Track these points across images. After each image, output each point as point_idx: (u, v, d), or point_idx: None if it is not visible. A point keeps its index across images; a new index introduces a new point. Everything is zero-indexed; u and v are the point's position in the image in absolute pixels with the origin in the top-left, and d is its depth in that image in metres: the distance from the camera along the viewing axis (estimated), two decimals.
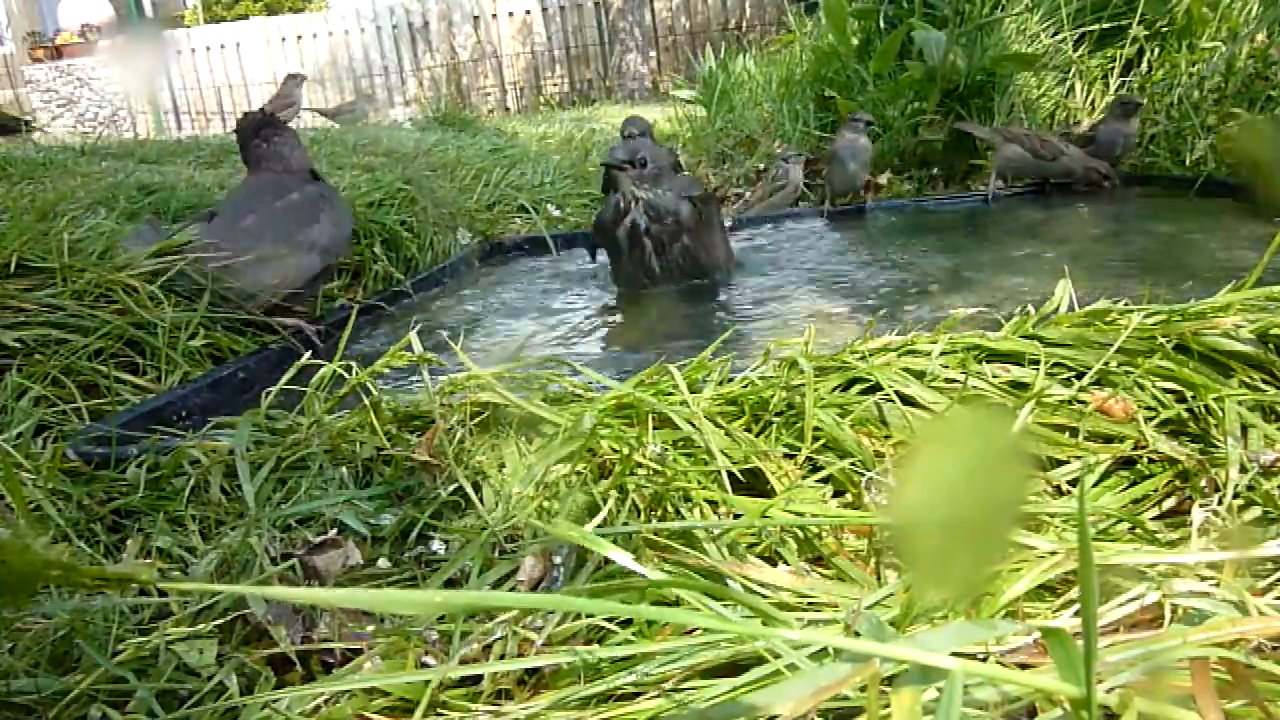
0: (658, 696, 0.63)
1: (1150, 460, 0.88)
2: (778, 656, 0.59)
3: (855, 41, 3.35)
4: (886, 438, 0.92)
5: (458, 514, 0.91)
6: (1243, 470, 0.83)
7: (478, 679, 0.68)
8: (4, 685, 0.70)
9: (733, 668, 0.64)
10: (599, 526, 0.80)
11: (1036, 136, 2.63)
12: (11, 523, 0.93)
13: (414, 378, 1.29)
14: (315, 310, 1.84)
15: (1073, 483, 0.87)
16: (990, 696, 0.52)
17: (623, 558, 0.67)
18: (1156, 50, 3.09)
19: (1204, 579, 0.68)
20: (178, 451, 1.04)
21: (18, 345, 1.36)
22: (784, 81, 3.63)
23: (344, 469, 0.99)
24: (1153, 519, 0.84)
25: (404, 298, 2.04)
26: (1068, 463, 0.89)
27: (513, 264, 2.44)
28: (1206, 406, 0.90)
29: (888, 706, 0.44)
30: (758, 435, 0.95)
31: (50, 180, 2.04)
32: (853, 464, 0.88)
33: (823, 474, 0.89)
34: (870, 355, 1.04)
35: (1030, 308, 1.10)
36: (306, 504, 0.93)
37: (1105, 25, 3.14)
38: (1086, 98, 3.15)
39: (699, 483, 0.87)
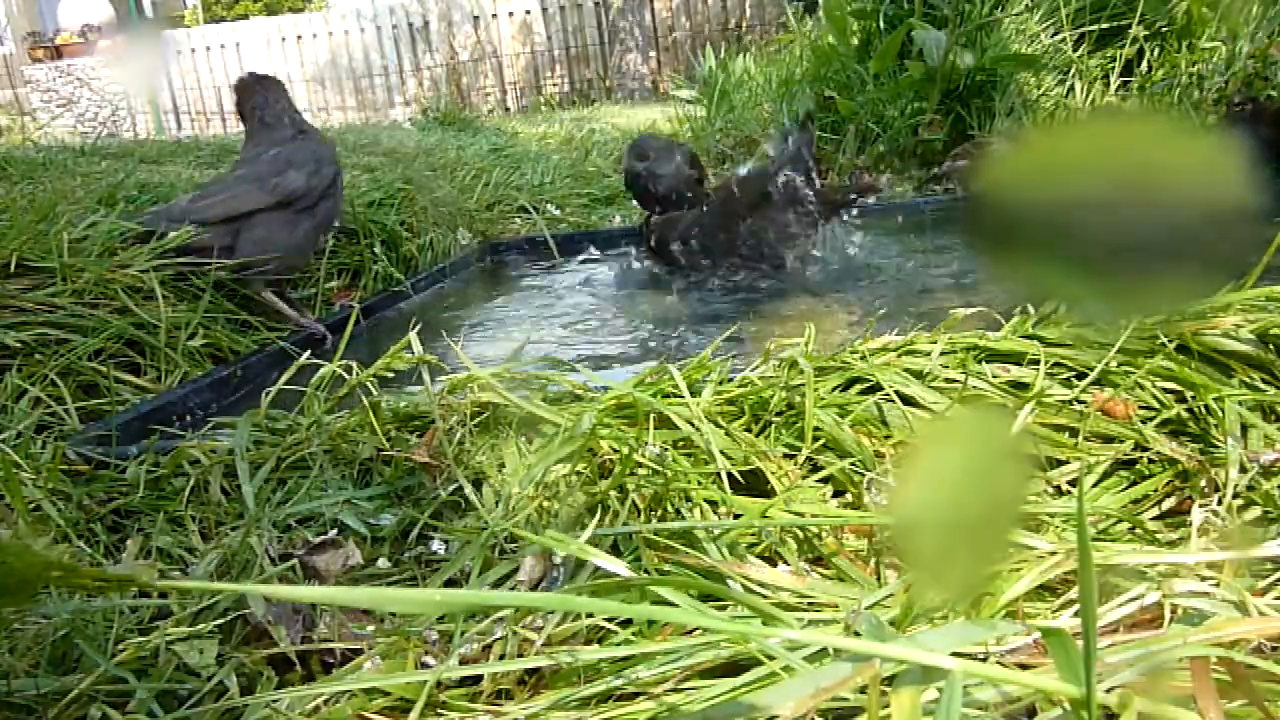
0: (658, 696, 0.63)
1: (1150, 460, 0.88)
2: (776, 657, 0.59)
3: (855, 41, 3.35)
4: (886, 438, 0.92)
5: (458, 514, 0.91)
6: (1243, 470, 0.83)
7: (478, 679, 0.68)
8: (4, 685, 0.70)
9: (733, 668, 0.64)
10: (598, 527, 0.80)
11: None
12: (11, 523, 0.93)
13: (411, 377, 1.29)
14: (317, 311, 1.84)
15: (1073, 483, 0.87)
16: (990, 697, 0.52)
17: (613, 565, 0.67)
18: (1156, 50, 3.09)
19: (1204, 579, 0.68)
20: (178, 451, 1.04)
21: (18, 345, 1.36)
22: (784, 81, 3.63)
23: (344, 469, 0.99)
24: (1153, 519, 0.84)
25: (403, 298, 2.04)
26: (1068, 463, 0.89)
27: (513, 264, 2.44)
28: (1206, 406, 0.90)
29: (887, 707, 0.44)
30: (758, 435, 0.95)
31: (50, 180, 2.04)
32: (853, 464, 0.88)
33: (823, 474, 0.89)
34: (870, 355, 1.04)
35: (1030, 307, 1.10)
36: (306, 504, 0.93)
37: (1105, 25, 3.14)
38: (1086, 98, 3.15)
39: (699, 483, 0.87)
